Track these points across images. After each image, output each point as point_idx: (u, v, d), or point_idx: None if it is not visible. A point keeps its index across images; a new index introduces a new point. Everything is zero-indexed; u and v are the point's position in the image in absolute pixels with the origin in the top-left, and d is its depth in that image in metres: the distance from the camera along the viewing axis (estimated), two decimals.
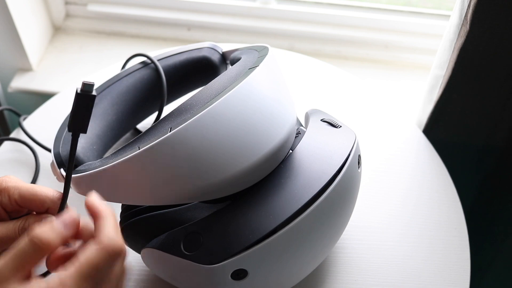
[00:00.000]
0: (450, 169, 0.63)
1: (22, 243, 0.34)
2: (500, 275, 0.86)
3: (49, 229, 0.35)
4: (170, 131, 0.39)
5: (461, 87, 0.63)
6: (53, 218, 0.41)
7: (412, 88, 0.91)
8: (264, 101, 0.42)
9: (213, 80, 0.45)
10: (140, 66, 0.61)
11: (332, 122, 0.49)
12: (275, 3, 0.95)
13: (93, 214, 0.37)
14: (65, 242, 0.36)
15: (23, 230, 0.45)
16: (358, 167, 0.47)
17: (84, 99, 0.39)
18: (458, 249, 0.56)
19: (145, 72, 0.60)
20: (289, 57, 0.77)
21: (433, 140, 0.67)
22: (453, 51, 0.61)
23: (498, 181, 0.78)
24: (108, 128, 0.56)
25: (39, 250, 0.34)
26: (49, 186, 0.61)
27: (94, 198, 0.38)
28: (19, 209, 0.47)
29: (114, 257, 0.35)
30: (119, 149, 0.43)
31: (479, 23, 0.56)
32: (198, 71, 0.62)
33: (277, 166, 0.44)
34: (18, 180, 0.47)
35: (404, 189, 0.61)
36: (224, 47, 0.63)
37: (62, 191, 0.44)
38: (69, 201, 0.51)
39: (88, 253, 0.34)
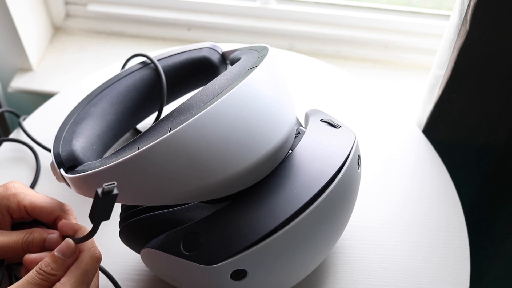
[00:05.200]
0: (450, 169, 0.63)
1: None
2: (500, 275, 0.86)
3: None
4: (169, 131, 0.39)
5: (461, 87, 0.63)
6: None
7: (412, 88, 0.91)
8: (264, 101, 0.42)
9: (212, 80, 0.45)
10: (140, 66, 0.61)
11: (331, 122, 0.49)
12: (275, 3, 0.95)
13: (72, 230, 0.45)
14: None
15: (27, 244, 0.45)
16: (358, 167, 0.47)
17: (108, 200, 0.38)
18: (458, 249, 0.56)
19: (145, 72, 0.60)
20: (289, 57, 0.77)
21: (433, 140, 0.67)
22: (453, 51, 0.61)
23: (498, 181, 0.78)
24: (108, 128, 0.56)
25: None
26: (49, 186, 0.61)
27: (65, 221, 0.46)
28: (25, 216, 0.47)
29: (97, 262, 0.43)
30: (119, 149, 0.43)
31: (479, 23, 0.56)
32: (198, 71, 0.62)
33: (276, 166, 0.44)
34: (26, 186, 0.47)
35: (404, 189, 0.61)
36: (224, 47, 0.63)
37: (62, 193, 0.44)
38: (68, 201, 0.51)
39: (78, 262, 0.42)
